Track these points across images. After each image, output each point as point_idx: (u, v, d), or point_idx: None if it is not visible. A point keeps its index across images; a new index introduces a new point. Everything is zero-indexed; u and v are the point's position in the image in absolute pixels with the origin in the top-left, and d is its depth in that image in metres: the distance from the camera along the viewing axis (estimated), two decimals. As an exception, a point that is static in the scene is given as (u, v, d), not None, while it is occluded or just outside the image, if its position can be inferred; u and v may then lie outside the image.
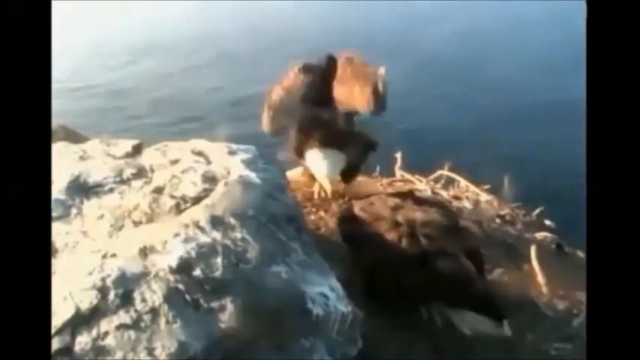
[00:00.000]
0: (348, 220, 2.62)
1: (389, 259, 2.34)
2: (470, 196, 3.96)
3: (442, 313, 2.39)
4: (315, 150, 3.12)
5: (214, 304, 1.57)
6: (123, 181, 2.12)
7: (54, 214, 1.90)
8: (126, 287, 1.54)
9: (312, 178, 3.39)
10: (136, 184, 2.11)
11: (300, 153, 3.21)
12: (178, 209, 1.93)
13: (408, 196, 2.63)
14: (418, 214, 2.41)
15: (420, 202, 2.57)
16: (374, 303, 2.32)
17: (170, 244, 1.71)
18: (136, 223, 1.89)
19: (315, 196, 3.47)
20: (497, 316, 2.25)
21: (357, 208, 2.57)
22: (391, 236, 2.35)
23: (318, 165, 3.13)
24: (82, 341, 1.41)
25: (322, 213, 3.28)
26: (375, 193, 2.81)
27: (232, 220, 1.85)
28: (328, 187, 3.17)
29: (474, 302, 2.28)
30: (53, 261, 1.68)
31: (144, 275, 1.59)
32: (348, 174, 3.22)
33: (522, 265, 3.10)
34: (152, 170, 2.22)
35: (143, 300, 1.52)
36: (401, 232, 2.35)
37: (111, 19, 13.68)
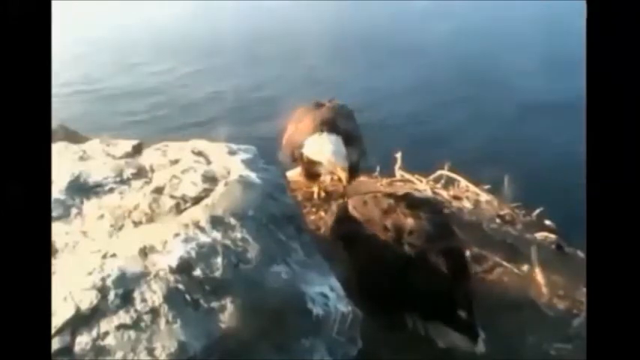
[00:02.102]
0: (342, 219, 2.59)
1: (376, 263, 2.31)
2: (470, 196, 3.95)
3: (422, 322, 2.37)
4: (316, 135, 3.01)
5: (214, 304, 1.57)
6: (123, 181, 2.12)
7: (54, 214, 1.90)
8: (126, 287, 1.54)
9: (312, 178, 3.38)
10: (136, 184, 2.11)
11: (298, 145, 3.12)
12: (178, 209, 1.93)
13: (404, 197, 2.52)
14: (408, 221, 2.34)
15: (415, 205, 2.46)
16: (369, 302, 2.30)
17: (170, 244, 1.71)
18: (136, 223, 1.88)
19: (315, 196, 3.46)
20: (471, 334, 2.22)
21: (351, 207, 2.53)
22: (379, 240, 2.32)
23: (324, 149, 2.99)
24: (82, 341, 1.41)
25: (322, 213, 3.28)
26: (372, 192, 2.74)
27: (232, 220, 1.85)
28: (343, 174, 2.99)
29: (448, 319, 2.25)
30: (53, 261, 1.68)
31: (144, 275, 1.59)
32: (347, 174, 3.20)
33: (522, 265, 3.09)
34: (152, 170, 2.22)
35: (143, 300, 1.52)
36: (388, 236, 2.32)
37: (111, 20, 13.67)
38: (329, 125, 3.05)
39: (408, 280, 2.23)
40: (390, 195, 2.49)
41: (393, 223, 2.34)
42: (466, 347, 2.22)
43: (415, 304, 2.31)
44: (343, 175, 3.01)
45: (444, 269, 2.23)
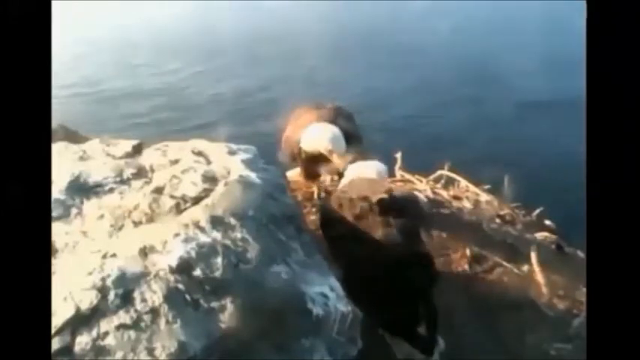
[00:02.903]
0: (323, 219, 2.56)
1: (348, 271, 2.23)
2: (470, 196, 3.96)
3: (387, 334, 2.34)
4: (316, 124, 2.97)
5: (214, 304, 1.57)
6: (123, 181, 2.12)
7: (54, 214, 1.90)
8: (126, 287, 1.54)
9: (312, 178, 3.38)
10: (136, 184, 2.11)
11: (297, 141, 3.07)
12: (178, 209, 1.93)
13: (379, 202, 2.32)
14: (378, 233, 2.25)
15: (387, 210, 2.30)
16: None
17: (170, 244, 1.71)
18: (136, 223, 1.88)
19: (315, 196, 3.46)
20: (427, 350, 2.22)
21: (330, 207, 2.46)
22: (351, 248, 2.27)
23: (322, 136, 2.93)
24: (82, 341, 1.41)
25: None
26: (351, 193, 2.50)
27: (232, 220, 1.85)
28: (338, 161, 2.91)
29: (408, 337, 2.24)
30: (53, 261, 1.68)
31: (144, 275, 1.59)
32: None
33: (522, 265, 3.09)
34: (152, 170, 2.21)
35: (143, 300, 1.52)
36: (358, 245, 2.26)
37: (111, 21, 13.66)
38: (328, 121, 3.04)
39: (374, 293, 2.17)
40: (365, 198, 2.35)
41: (363, 231, 2.26)
42: (421, 359, 2.23)
43: (380, 317, 2.26)
44: (340, 162, 2.94)
45: (411, 281, 2.18)
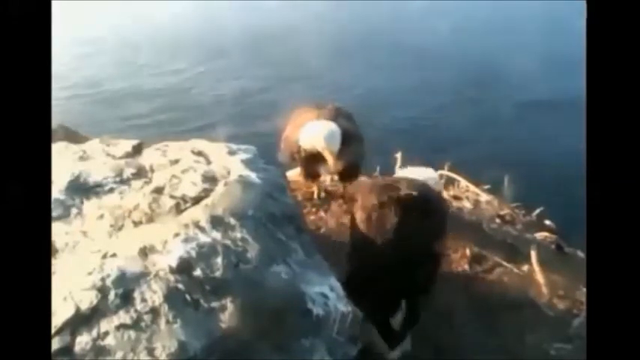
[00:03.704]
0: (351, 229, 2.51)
1: (355, 261, 2.28)
2: (470, 196, 3.96)
3: None
4: (315, 121, 2.96)
5: (214, 304, 1.57)
6: (123, 181, 2.12)
7: (54, 214, 1.90)
8: (126, 287, 1.54)
9: (312, 178, 3.38)
10: (136, 184, 2.11)
11: (296, 140, 3.08)
12: (178, 209, 1.93)
13: (407, 197, 2.24)
14: (392, 221, 2.16)
15: (412, 207, 2.21)
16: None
17: (170, 244, 1.71)
18: (136, 223, 1.88)
19: (315, 196, 3.46)
20: (392, 344, 2.24)
21: (359, 196, 2.41)
22: (363, 240, 2.25)
23: (319, 132, 2.91)
24: (82, 341, 1.41)
25: (322, 213, 3.28)
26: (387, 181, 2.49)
27: (232, 220, 1.85)
28: (330, 159, 2.90)
29: (378, 326, 2.23)
30: (53, 261, 1.68)
31: (144, 275, 1.59)
32: (347, 174, 3.19)
33: (522, 265, 3.09)
34: (152, 170, 2.22)
35: (143, 300, 1.52)
36: (369, 232, 2.22)
37: (111, 20, 13.65)
38: (328, 119, 3.03)
39: (365, 295, 2.11)
40: (395, 189, 2.26)
41: (377, 220, 2.20)
42: (380, 350, 2.22)
43: (364, 307, 2.17)
44: (330, 159, 2.91)
45: (407, 279, 2.17)
